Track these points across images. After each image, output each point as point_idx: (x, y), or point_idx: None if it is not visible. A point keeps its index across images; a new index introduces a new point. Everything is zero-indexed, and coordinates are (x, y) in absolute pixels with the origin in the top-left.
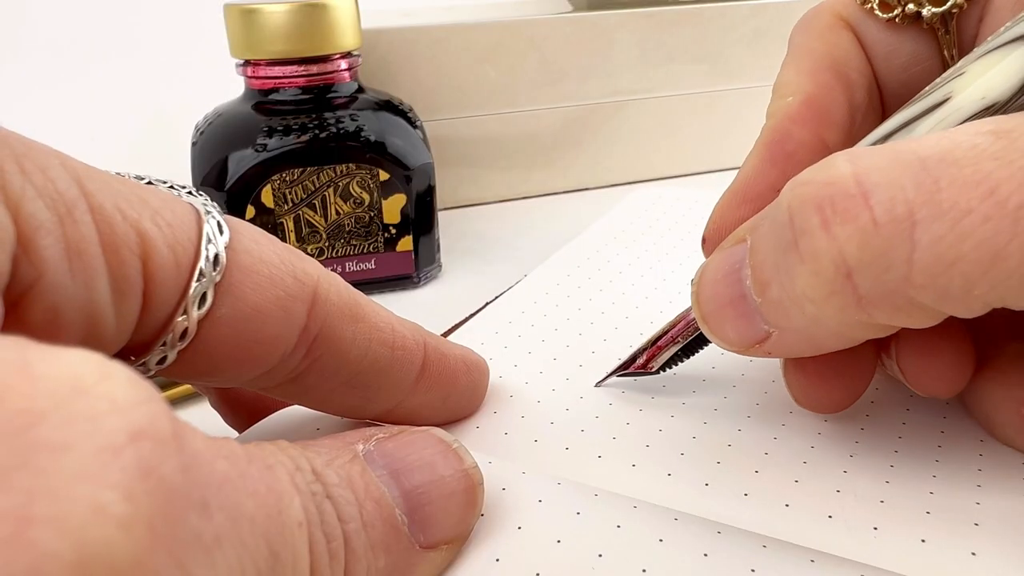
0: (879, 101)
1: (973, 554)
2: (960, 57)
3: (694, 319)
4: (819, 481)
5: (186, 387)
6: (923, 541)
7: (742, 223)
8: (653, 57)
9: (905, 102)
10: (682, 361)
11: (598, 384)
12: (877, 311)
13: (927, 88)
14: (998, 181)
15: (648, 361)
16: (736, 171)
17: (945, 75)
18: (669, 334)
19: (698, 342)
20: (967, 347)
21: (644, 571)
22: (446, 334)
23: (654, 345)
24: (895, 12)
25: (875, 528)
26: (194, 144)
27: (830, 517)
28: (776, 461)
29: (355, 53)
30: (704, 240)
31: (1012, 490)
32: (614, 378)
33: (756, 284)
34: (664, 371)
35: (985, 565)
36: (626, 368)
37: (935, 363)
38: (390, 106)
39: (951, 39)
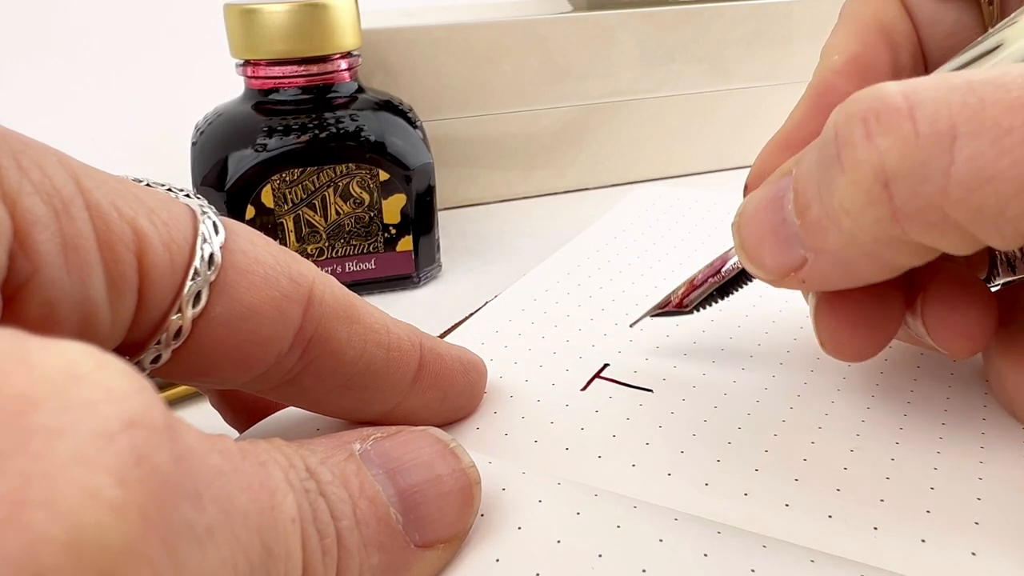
0: (923, 67)
1: (973, 554)
2: None
3: (732, 259)
4: (819, 480)
5: (186, 387)
6: (923, 541)
7: None
8: (653, 57)
9: None
10: (716, 301)
11: (632, 324)
12: (912, 225)
13: (979, 38)
14: None
15: (683, 299)
16: (736, 171)
17: (998, 25)
18: (704, 273)
19: (734, 282)
20: (991, 307)
21: (644, 571)
22: (446, 334)
23: (690, 283)
24: None
25: (875, 528)
26: (194, 144)
27: (830, 517)
28: (776, 458)
29: (355, 53)
30: (746, 187)
31: (1013, 488)
32: (648, 318)
33: (798, 207)
34: (699, 311)
35: (985, 565)
36: (662, 308)
37: (959, 318)
38: (390, 106)
39: (993, 11)
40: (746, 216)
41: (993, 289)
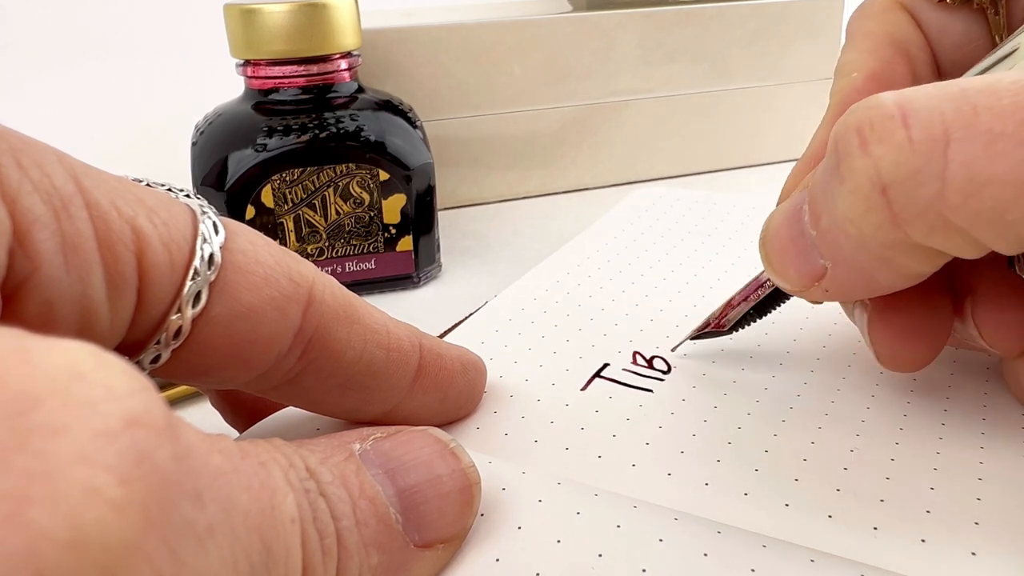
0: (939, 79)
1: (973, 554)
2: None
3: (765, 279)
4: (819, 480)
5: (186, 387)
6: (923, 541)
7: None
8: (653, 57)
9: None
10: (754, 321)
11: (673, 349)
12: (913, 229)
13: (996, 47)
14: None
15: (721, 320)
16: (736, 171)
17: (1016, 32)
18: (741, 293)
19: (769, 301)
20: None
21: (644, 571)
22: (446, 334)
23: (727, 304)
24: None
25: (875, 528)
26: (194, 144)
27: (830, 517)
28: (776, 459)
29: (355, 53)
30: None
31: (1013, 488)
32: (688, 342)
33: (811, 217)
34: (736, 331)
35: (985, 565)
36: (701, 330)
37: (1009, 317)
38: (390, 106)
39: (1000, 21)
40: (769, 231)
41: None
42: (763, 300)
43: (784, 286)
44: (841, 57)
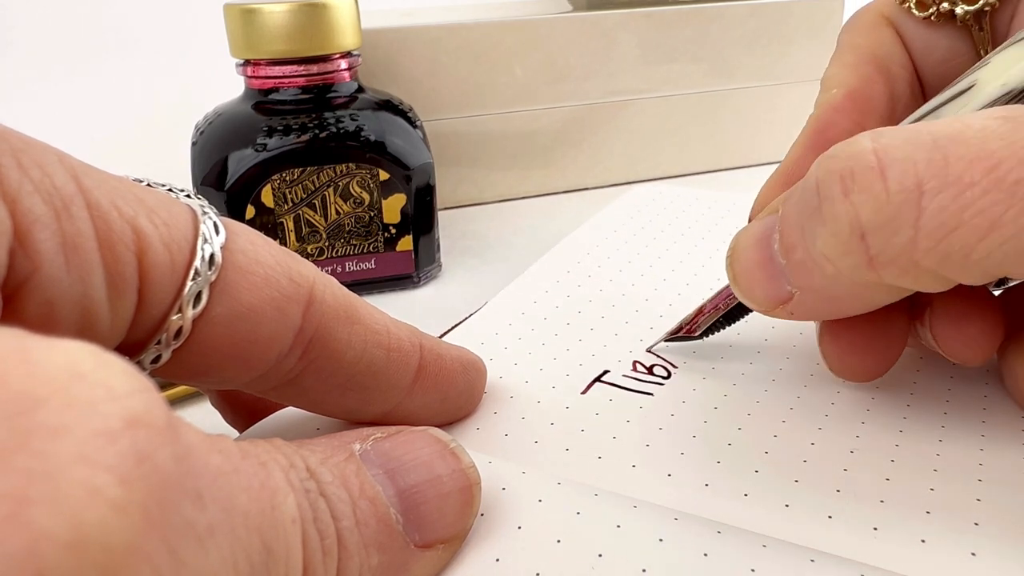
0: (920, 93)
1: (973, 554)
2: None
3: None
4: (819, 480)
5: (186, 387)
6: (923, 541)
7: None
8: (653, 57)
9: None
10: (723, 328)
11: (649, 349)
12: (886, 272)
13: (959, 77)
14: (1000, 159)
15: (692, 326)
16: (736, 171)
17: (975, 65)
18: (712, 301)
19: (738, 311)
20: (996, 316)
21: (644, 571)
22: (445, 334)
23: (698, 311)
24: (930, 10)
25: (875, 528)
26: (194, 144)
27: (830, 517)
28: (776, 460)
29: (355, 53)
30: (750, 220)
31: (1013, 488)
32: (663, 344)
33: (783, 248)
34: (706, 336)
35: (985, 565)
36: (675, 334)
37: (966, 330)
38: (390, 106)
39: (985, 36)
40: (737, 251)
41: (996, 293)
42: (731, 310)
43: (749, 305)
44: (827, 69)
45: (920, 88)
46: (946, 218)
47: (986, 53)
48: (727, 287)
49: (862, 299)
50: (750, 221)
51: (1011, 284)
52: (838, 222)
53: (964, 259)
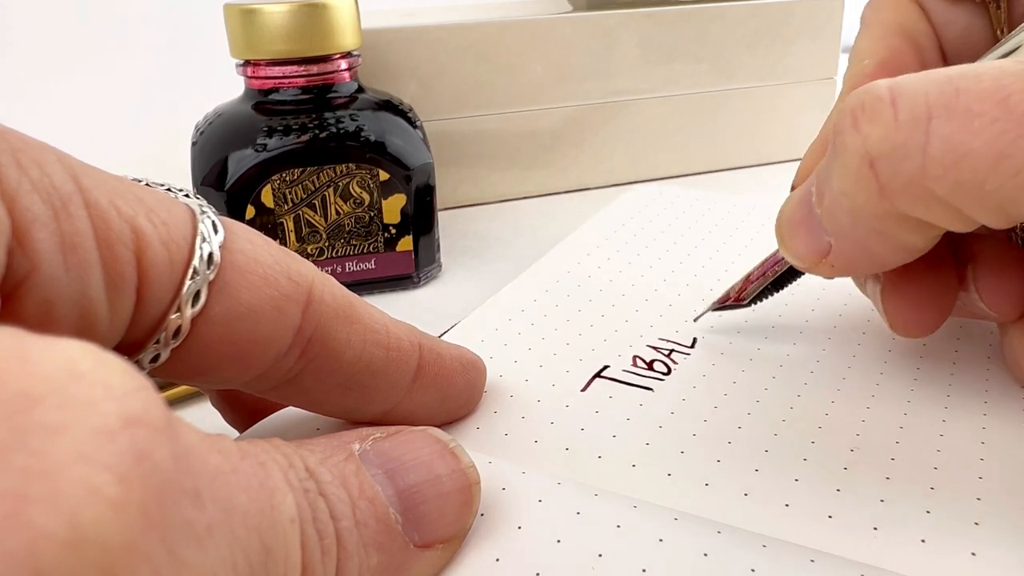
0: (947, 65)
1: (973, 554)
2: (1009, 31)
3: (781, 257)
4: (820, 479)
5: (186, 387)
6: (923, 541)
7: None
8: (653, 57)
9: None
10: (772, 294)
11: (695, 319)
12: (899, 200)
13: (1004, 38)
14: (1011, 91)
15: (740, 294)
16: (736, 171)
17: (1019, 27)
18: (759, 269)
19: (785, 277)
20: None
21: (644, 571)
22: (445, 333)
23: (746, 279)
24: None
25: (875, 528)
26: (194, 144)
27: (830, 517)
28: (777, 458)
29: (355, 53)
30: (792, 187)
31: (1013, 488)
32: (709, 313)
33: (817, 197)
34: (755, 303)
35: (985, 565)
36: (722, 303)
37: (1006, 284)
38: (390, 106)
39: (1002, 15)
40: (782, 213)
41: None
42: (780, 276)
43: (795, 263)
44: (855, 44)
45: (944, 62)
46: (955, 144)
47: (1002, 31)
48: (774, 254)
49: (889, 241)
50: (793, 189)
51: None
52: (847, 153)
53: (977, 190)
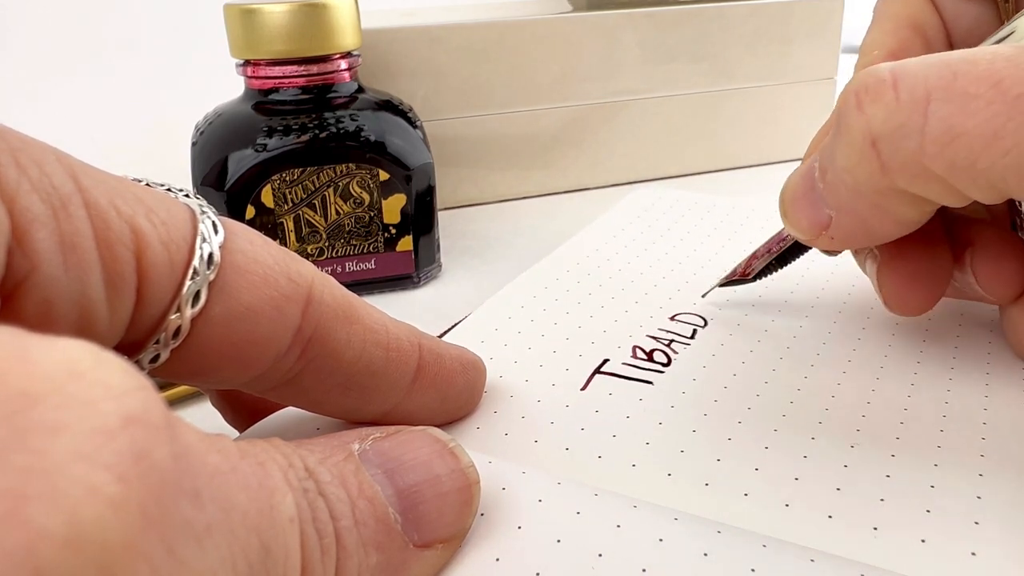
0: None
1: (973, 554)
2: None
3: (786, 234)
4: (819, 478)
5: (186, 387)
6: (923, 541)
7: None
8: (653, 57)
9: None
10: (776, 270)
11: (704, 295)
12: (898, 176)
13: (999, 28)
14: (1005, 75)
15: (746, 269)
16: (736, 171)
17: (1015, 15)
18: (765, 245)
19: (789, 253)
20: None
21: (644, 571)
22: (445, 333)
23: (752, 256)
24: None
25: (875, 528)
26: (194, 144)
27: (830, 517)
28: (777, 456)
29: (355, 53)
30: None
31: (1014, 487)
32: (717, 289)
33: (820, 172)
34: (760, 279)
35: (985, 565)
36: (729, 279)
37: (1004, 267)
38: (390, 106)
39: (1010, 8)
40: (786, 187)
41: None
42: (784, 252)
43: (797, 235)
44: (865, 37)
45: None
46: (950, 125)
47: None
48: (777, 233)
49: (887, 214)
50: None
51: None
52: (852, 132)
53: (970, 168)
